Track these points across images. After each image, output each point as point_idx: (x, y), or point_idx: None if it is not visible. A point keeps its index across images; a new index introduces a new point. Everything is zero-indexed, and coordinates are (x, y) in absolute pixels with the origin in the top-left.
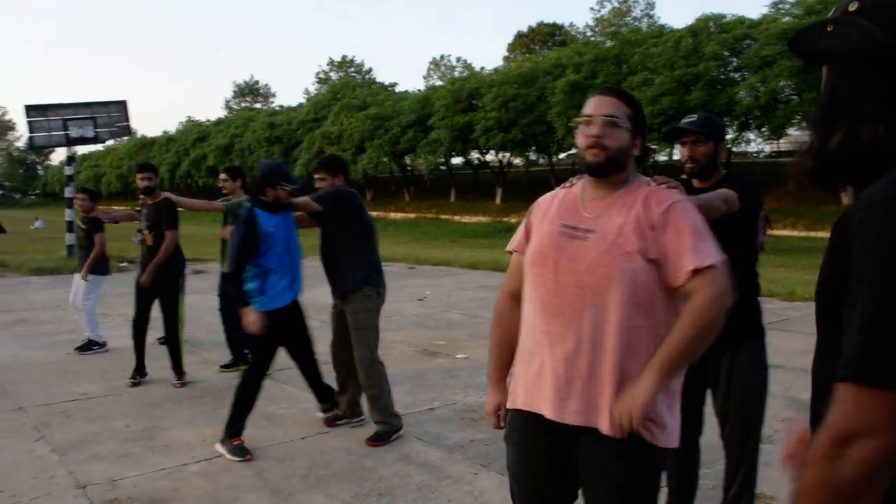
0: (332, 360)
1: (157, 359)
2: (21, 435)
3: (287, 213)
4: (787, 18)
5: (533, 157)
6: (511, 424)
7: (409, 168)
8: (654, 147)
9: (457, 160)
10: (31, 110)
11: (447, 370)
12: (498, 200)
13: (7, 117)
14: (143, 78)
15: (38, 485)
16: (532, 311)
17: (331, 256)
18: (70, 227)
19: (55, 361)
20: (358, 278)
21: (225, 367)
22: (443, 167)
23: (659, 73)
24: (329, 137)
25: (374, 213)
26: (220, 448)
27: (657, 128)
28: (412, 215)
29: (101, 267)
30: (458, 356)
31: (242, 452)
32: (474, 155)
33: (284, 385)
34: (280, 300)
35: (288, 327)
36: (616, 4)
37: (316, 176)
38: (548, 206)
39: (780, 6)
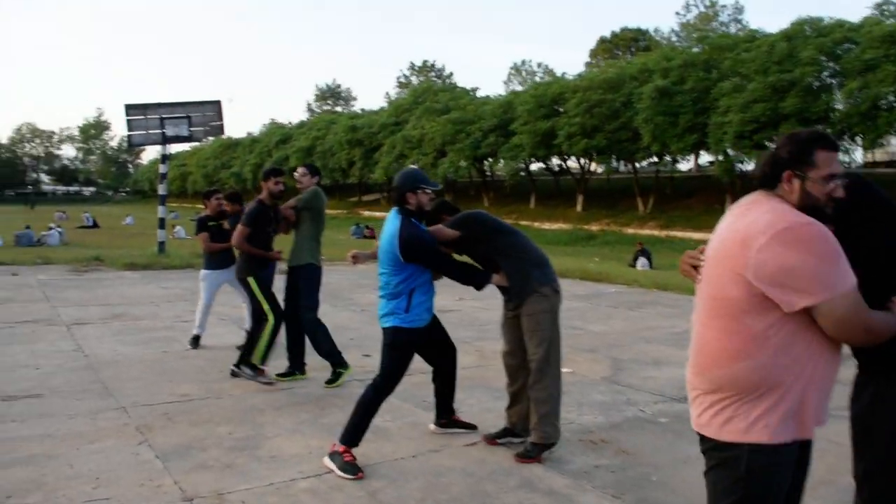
0: (506, 372)
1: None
2: (125, 437)
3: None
4: (893, 21)
5: (615, 163)
6: (789, 455)
7: (489, 173)
8: (742, 157)
9: (537, 166)
10: (130, 109)
11: None
12: (579, 207)
13: (103, 118)
14: (227, 80)
15: (146, 493)
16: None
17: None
18: (162, 223)
19: (153, 359)
20: (531, 280)
21: (281, 375)
22: (523, 173)
23: (751, 79)
24: (410, 141)
25: None
26: (329, 463)
27: (748, 135)
28: None
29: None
30: (564, 370)
31: (354, 470)
32: (555, 161)
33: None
34: (421, 320)
35: (426, 340)
36: (703, 9)
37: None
38: None
39: (885, 7)
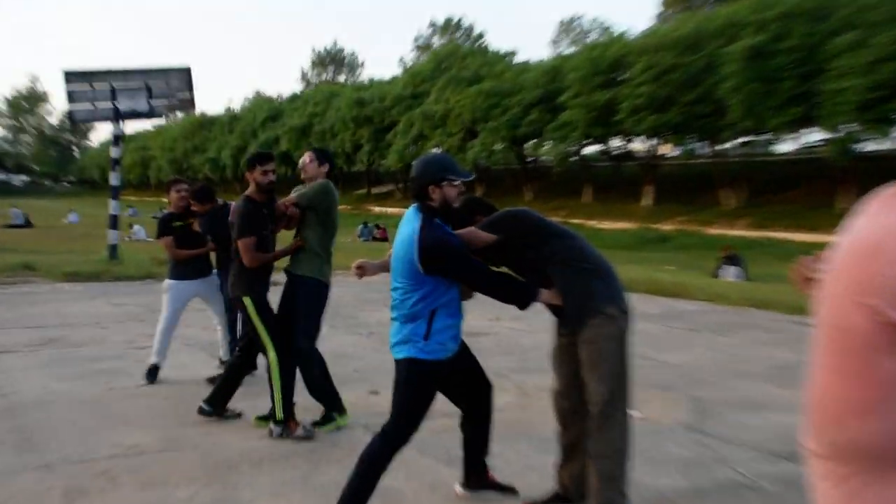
0: (557, 417)
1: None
2: None
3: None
4: None
5: (693, 145)
6: None
7: (530, 159)
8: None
9: (593, 149)
10: (71, 77)
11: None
12: (647, 201)
13: (39, 87)
14: (200, 44)
15: None
16: None
17: (542, 285)
18: (114, 222)
19: (95, 398)
20: (593, 297)
21: (318, 423)
22: (574, 158)
23: (876, 32)
24: (431, 118)
25: None
26: None
27: (871, 105)
28: None
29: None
30: (633, 414)
31: None
32: (616, 142)
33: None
34: (444, 350)
35: (452, 373)
36: None
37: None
38: None
39: None
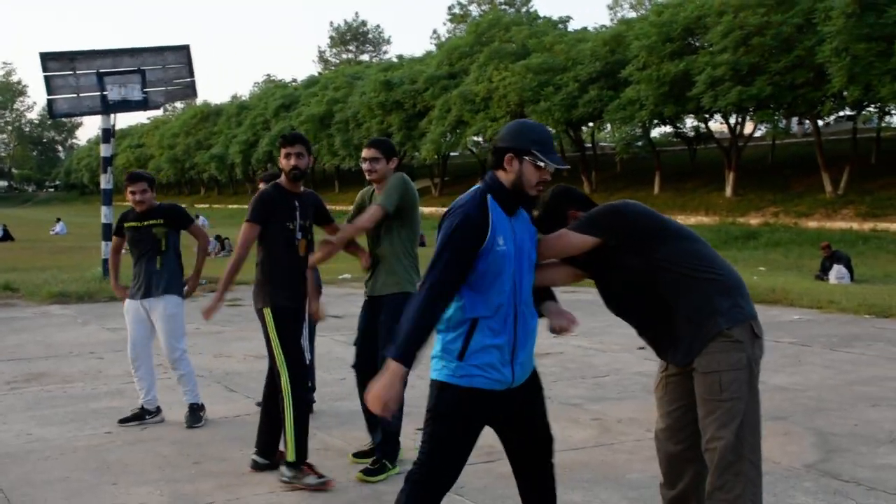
0: (661, 464)
1: (234, 437)
2: None
3: (522, 216)
4: None
5: (784, 122)
6: None
7: (589, 144)
8: None
9: (663, 131)
10: (49, 60)
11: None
12: (729, 191)
13: (15, 78)
14: (202, 24)
15: None
16: None
17: (644, 302)
18: (107, 231)
19: (90, 446)
20: (719, 316)
21: (359, 455)
22: (641, 143)
23: None
24: (472, 101)
25: None
26: None
27: None
28: None
29: (181, 283)
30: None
31: None
32: (691, 122)
33: (457, 497)
34: (487, 379)
35: (503, 414)
36: None
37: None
38: None
39: None
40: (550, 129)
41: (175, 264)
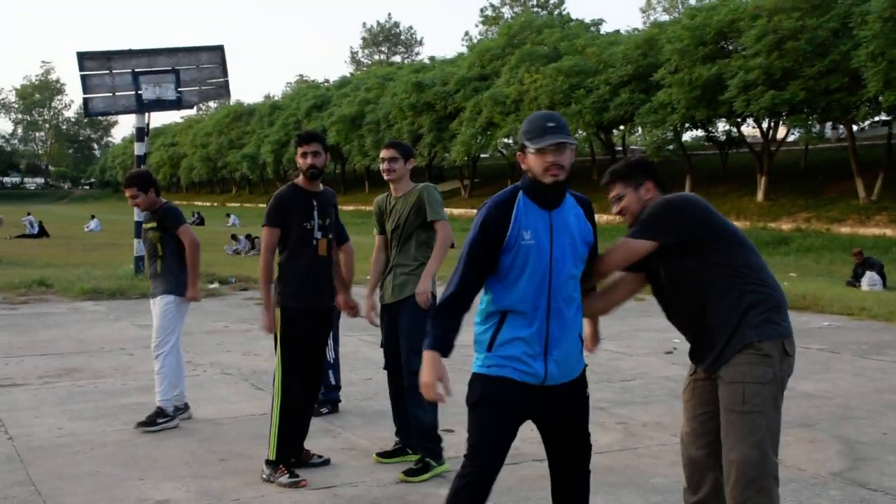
0: (685, 469)
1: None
2: None
3: (566, 212)
4: None
5: (818, 127)
6: None
7: (620, 147)
8: None
9: (695, 134)
10: (86, 60)
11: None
12: (760, 196)
13: (54, 77)
14: (236, 24)
15: None
16: None
17: (687, 303)
18: (139, 229)
19: (119, 441)
20: (751, 327)
21: (383, 455)
22: (672, 146)
23: None
24: (503, 103)
25: None
26: None
27: None
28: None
29: (182, 284)
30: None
31: None
32: (723, 126)
33: None
34: (514, 368)
35: (540, 411)
36: None
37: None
38: None
39: None
40: (581, 132)
41: (176, 267)
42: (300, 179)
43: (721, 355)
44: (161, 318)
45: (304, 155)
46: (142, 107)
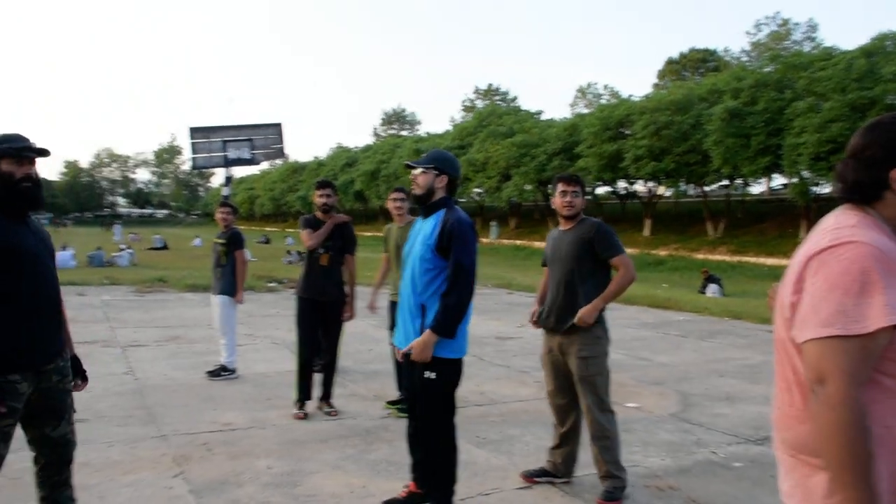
0: (553, 412)
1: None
2: (161, 468)
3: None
4: None
5: (683, 187)
6: None
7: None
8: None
9: (603, 189)
10: (195, 132)
11: (620, 422)
12: (646, 232)
13: (176, 143)
14: (295, 105)
15: None
16: None
17: (564, 284)
18: None
19: (201, 384)
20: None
21: (393, 403)
22: (589, 197)
23: (828, 98)
24: (474, 164)
25: (518, 242)
26: None
27: (824, 157)
28: None
29: (234, 289)
30: (629, 405)
31: None
32: (622, 184)
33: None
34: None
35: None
36: (775, 28)
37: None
38: None
39: None
40: (527, 186)
41: (231, 276)
42: (318, 212)
43: (568, 333)
44: (221, 310)
45: (320, 196)
46: (227, 163)
